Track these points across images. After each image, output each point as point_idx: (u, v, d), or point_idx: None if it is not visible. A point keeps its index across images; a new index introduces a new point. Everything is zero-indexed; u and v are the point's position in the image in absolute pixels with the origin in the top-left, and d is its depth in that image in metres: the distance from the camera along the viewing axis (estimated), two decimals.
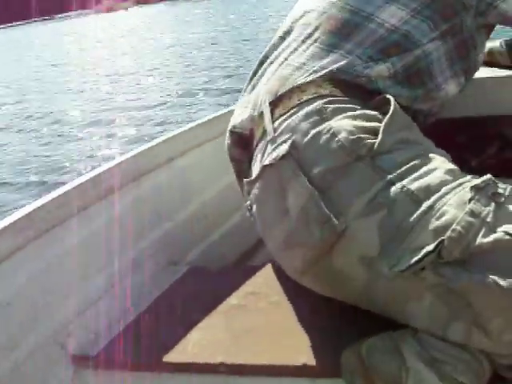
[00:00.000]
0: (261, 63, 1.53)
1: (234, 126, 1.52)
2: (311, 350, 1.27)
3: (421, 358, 1.09)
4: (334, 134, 1.21)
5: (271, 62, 1.49)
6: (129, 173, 1.74)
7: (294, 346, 1.30)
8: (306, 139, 1.24)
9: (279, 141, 1.29)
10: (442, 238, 1.07)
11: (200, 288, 1.65)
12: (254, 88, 1.50)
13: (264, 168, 1.31)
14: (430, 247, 1.07)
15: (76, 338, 1.46)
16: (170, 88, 11.23)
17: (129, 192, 1.74)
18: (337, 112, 1.25)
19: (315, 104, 1.28)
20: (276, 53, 1.49)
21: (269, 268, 1.68)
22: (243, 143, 1.48)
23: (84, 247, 1.57)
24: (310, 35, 1.43)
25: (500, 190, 1.12)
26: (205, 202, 1.97)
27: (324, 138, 1.22)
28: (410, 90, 1.39)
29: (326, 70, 1.35)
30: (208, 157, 2.02)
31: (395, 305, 1.16)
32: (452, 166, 1.21)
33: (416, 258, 1.08)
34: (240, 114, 1.50)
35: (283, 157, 1.25)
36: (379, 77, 1.36)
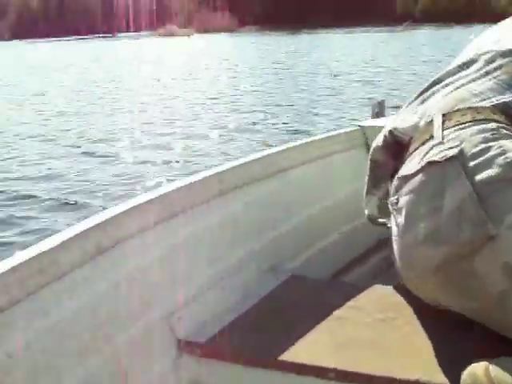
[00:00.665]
0: (434, 83, 1.63)
1: (394, 128, 1.60)
2: (425, 366, 1.28)
3: None
4: (504, 152, 1.31)
5: (446, 85, 1.59)
6: (243, 177, 1.80)
7: (407, 361, 1.31)
8: (475, 149, 1.34)
9: (447, 146, 1.38)
10: None
11: (301, 296, 1.68)
12: (423, 102, 1.60)
13: (428, 164, 1.39)
14: None
15: (185, 324, 1.51)
16: None
17: (241, 196, 1.80)
18: (509, 136, 1.36)
19: (489, 124, 1.39)
20: (452, 78, 1.60)
21: (370, 286, 1.71)
22: (394, 148, 1.59)
23: (198, 240, 1.63)
24: (491, 71, 1.54)
25: None
26: (310, 215, 2.02)
27: (493, 152, 1.32)
28: None
29: (501, 102, 1.46)
30: (319, 172, 2.07)
31: None
32: None
33: None
34: (404, 120, 1.59)
35: (450, 158, 1.35)
36: None
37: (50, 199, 6.06)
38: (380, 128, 1.72)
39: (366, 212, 1.74)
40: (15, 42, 55.25)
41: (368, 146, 2.12)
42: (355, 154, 2.26)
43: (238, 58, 25.87)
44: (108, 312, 1.34)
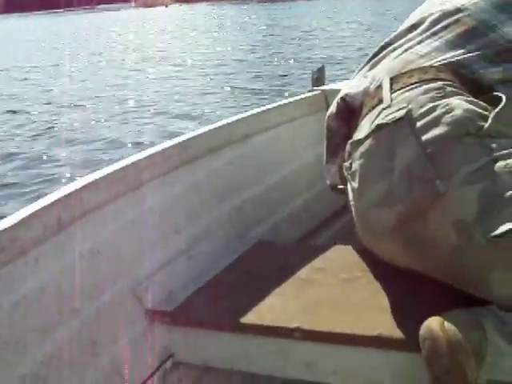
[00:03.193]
0: (382, 48, 1.66)
1: (346, 95, 1.63)
2: (386, 323, 1.31)
3: (501, 333, 1.14)
4: (451, 109, 1.33)
5: (394, 49, 1.62)
6: (206, 145, 1.81)
7: (369, 318, 1.35)
8: (422, 110, 1.36)
9: (395, 108, 1.40)
10: None
11: (268, 260, 1.71)
12: (372, 67, 1.63)
13: (378, 127, 1.41)
14: None
15: (152, 293, 1.52)
16: None
17: (204, 165, 1.80)
18: (454, 94, 1.38)
19: (435, 84, 1.41)
20: (401, 41, 1.63)
21: (335, 248, 1.74)
22: (347, 114, 1.61)
23: (163, 210, 1.64)
24: (438, 32, 1.57)
25: None
26: (275, 181, 2.03)
27: (440, 111, 1.33)
28: None
29: (447, 61, 1.49)
30: (282, 138, 2.09)
31: (479, 273, 1.23)
32: None
33: None
34: (355, 86, 1.61)
35: (398, 120, 1.37)
36: (492, 78, 1.48)
37: None
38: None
39: (327, 181, 1.77)
40: None
41: None
42: (317, 118, 2.26)
43: (215, 28, 25.85)
44: (73, 286, 1.35)
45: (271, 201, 2.01)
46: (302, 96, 2.35)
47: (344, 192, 1.63)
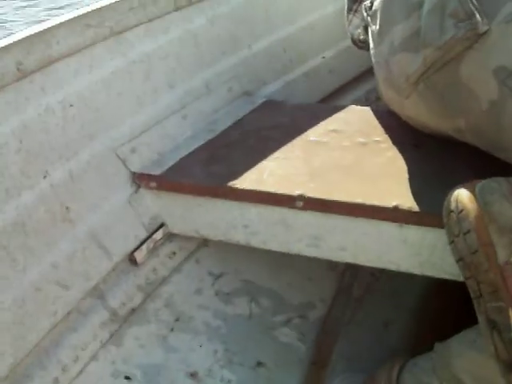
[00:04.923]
0: None
1: None
2: (405, 194, 1.11)
3: None
4: None
5: None
6: None
7: (385, 187, 1.14)
8: None
9: None
10: None
11: (275, 121, 1.49)
12: None
13: None
14: None
15: (139, 155, 1.34)
16: None
17: (206, 9, 1.55)
18: None
19: None
20: None
21: (354, 109, 1.51)
22: None
23: (154, 59, 1.42)
24: None
25: None
26: (290, 34, 1.78)
27: None
28: None
29: None
30: None
31: None
32: None
33: None
34: None
35: None
36: None
37: None
38: None
39: (348, 33, 1.51)
40: None
41: None
42: None
43: None
44: (41, 143, 1.16)
45: (285, 57, 1.76)
46: None
47: (368, 48, 1.38)
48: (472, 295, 0.96)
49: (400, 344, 1.42)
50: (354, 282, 1.53)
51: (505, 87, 0.99)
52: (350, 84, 1.93)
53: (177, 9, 1.46)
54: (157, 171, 1.30)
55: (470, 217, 0.93)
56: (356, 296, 1.52)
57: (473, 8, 1.01)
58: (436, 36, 1.06)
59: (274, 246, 1.26)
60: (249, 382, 1.30)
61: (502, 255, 0.91)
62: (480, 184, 0.96)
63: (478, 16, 1.00)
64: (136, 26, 1.37)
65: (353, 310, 1.49)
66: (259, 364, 1.34)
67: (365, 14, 1.29)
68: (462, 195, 0.95)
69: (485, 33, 1.00)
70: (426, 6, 1.08)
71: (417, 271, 1.14)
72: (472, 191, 0.95)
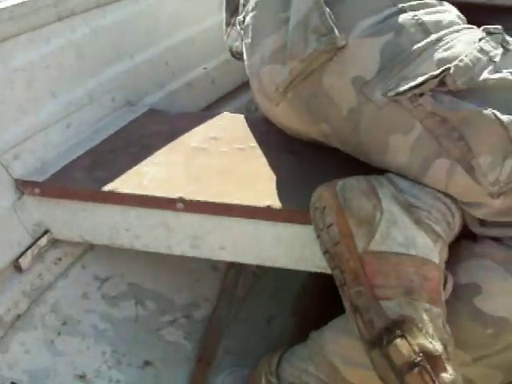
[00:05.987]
0: None
1: None
2: (278, 194, 1.19)
3: (396, 201, 1.04)
4: None
5: None
6: None
7: (259, 189, 1.22)
8: None
9: None
10: (449, 65, 1.02)
11: (157, 129, 1.54)
12: None
13: None
14: (435, 72, 1.03)
15: (22, 162, 1.35)
16: None
17: (89, 20, 1.58)
18: None
19: None
20: None
21: (233, 117, 1.59)
22: None
23: (36, 69, 1.43)
24: None
25: (509, 40, 1.09)
26: (172, 45, 1.83)
27: None
28: None
29: None
30: None
31: (378, 136, 1.10)
32: (463, 17, 1.18)
33: (418, 81, 1.03)
34: None
35: None
36: None
37: None
38: None
39: (227, 45, 1.58)
40: None
41: None
42: None
43: None
44: None
45: (167, 67, 1.82)
46: None
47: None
48: (338, 284, 1.06)
49: (282, 339, 1.51)
50: (237, 282, 1.60)
51: (361, 95, 1.10)
52: (232, 94, 2.00)
53: (59, 19, 1.49)
54: (40, 178, 1.33)
55: (332, 212, 1.03)
56: (239, 295, 1.60)
57: (332, 24, 1.12)
58: (300, 49, 1.15)
59: (157, 248, 1.31)
60: (137, 381, 1.35)
61: (360, 245, 1.02)
62: (340, 182, 1.07)
63: (336, 31, 1.11)
64: (17, 35, 1.38)
65: (237, 309, 1.57)
66: (147, 363, 1.39)
67: (238, 28, 1.37)
68: (324, 193, 1.05)
69: (343, 47, 1.11)
70: (292, 22, 1.18)
71: (292, 266, 1.23)
72: (333, 189, 1.05)
